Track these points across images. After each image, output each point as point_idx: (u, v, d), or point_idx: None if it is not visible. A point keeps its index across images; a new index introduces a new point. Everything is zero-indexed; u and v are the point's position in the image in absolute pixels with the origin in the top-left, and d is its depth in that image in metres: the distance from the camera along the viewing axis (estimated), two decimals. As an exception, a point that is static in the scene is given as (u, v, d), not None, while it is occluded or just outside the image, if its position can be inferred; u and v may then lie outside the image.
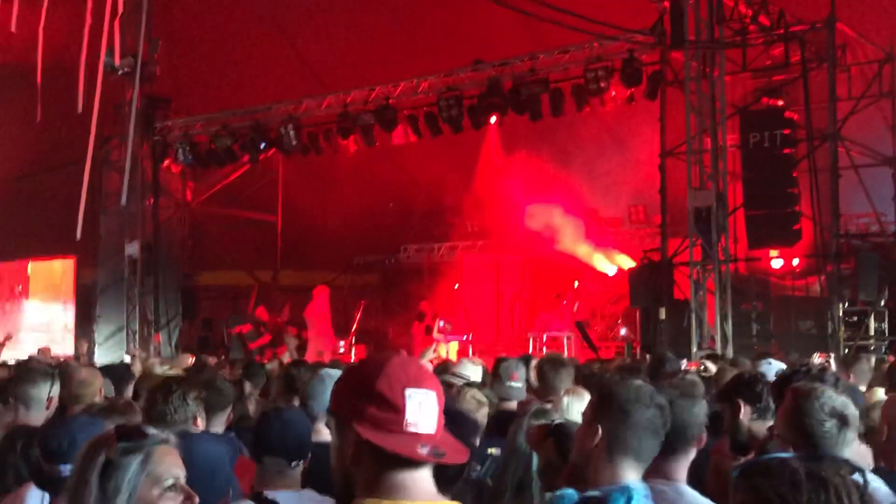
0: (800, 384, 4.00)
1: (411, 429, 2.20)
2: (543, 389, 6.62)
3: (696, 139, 16.33)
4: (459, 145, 21.47)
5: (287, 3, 23.60)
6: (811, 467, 2.08)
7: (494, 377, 6.64)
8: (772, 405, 4.49)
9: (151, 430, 2.67)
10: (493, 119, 19.50)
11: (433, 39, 22.43)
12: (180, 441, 3.58)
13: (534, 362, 7.34)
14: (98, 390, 5.99)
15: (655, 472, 3.47)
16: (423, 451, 2.19)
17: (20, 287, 25.30)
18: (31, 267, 25.13)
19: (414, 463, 2.23)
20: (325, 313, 20.54)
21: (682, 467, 3.62)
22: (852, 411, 3.68)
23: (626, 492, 2.94)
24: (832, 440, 3.56)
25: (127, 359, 16.76)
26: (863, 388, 7.03)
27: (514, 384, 6.45)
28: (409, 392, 2.21)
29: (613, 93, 17.70)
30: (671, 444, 3.49)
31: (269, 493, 4.08)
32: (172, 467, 2.61)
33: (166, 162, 22.94)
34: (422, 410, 2.21)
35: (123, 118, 22.39)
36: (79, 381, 5.93)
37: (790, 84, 17.47)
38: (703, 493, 3.64)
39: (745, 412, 4.50)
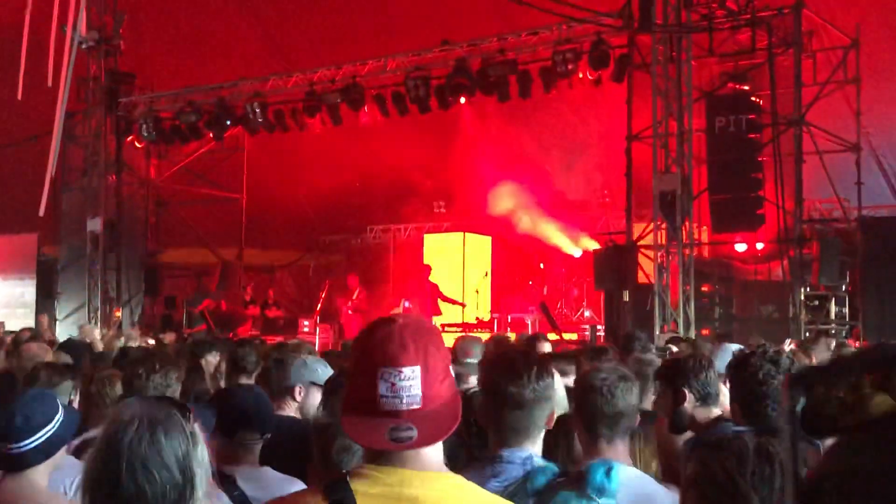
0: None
1: (387, 408, 2.16)
2: None
3: (663, 123, 16.38)
4: (427, 126, 21.40)
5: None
6: (761, 442, 2.09)
7: (452, 356, 6.71)
8: (715, 391, 4.47)
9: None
10: (462, 100, 19.45)
11: (401, 18, 22.34)
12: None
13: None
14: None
15: (599, 455, 3.52)
16: (392, 435, 2.15)
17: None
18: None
19: None
20: (426, 292, 20.47)
21: (624, 449, 3.67)
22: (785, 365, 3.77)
23: (607, 463, 2.99)
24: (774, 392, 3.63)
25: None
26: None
27: (470, 360, 6.57)
28: (382, 371, 2.17)
29: (581, 75, 17.70)
30: (613, 430, 3.57)
31: (228, 470, 4.04)
32: None
33: (130, 138, 22.70)
34: (396, 390, 2.16)
35: (87, 93, 22.22)
36: (28, 356, 5.87)
37: (756, 69, 17.57)
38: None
39: (689, 399, 4.46)
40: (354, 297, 21.69)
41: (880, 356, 1.12)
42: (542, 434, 3.33)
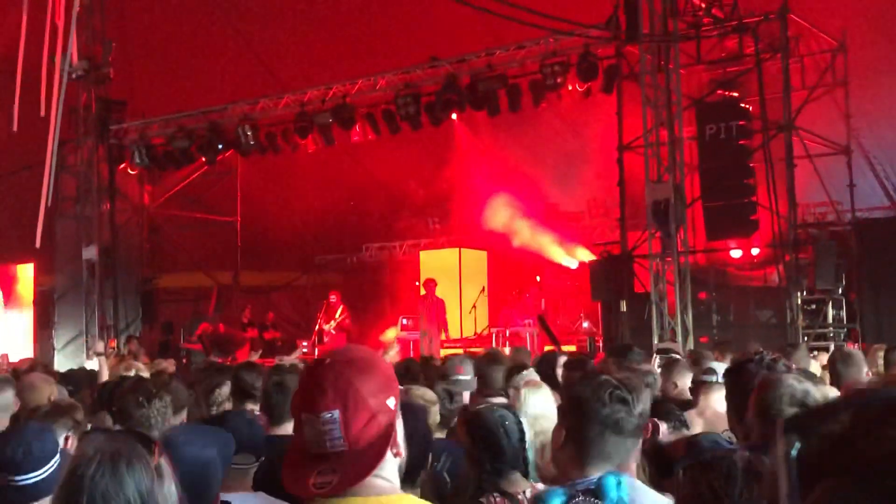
0: (764, 375, 4.00)
1: (315, 452, 2.19)
2: (483, 385, 6.79)
3: (653, 132, 16.40)
4: (419, 142, 21.44)
5: (241, 2, 23.44)
6: (750, 460, 2.06)
7: (441, 375, 6.74)
8: (685, 418, 4.48)
9: None
10: (453, 116, 19.47)
11: (390, 37, 22.40)
12: (167, 444, 3.51)
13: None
14: (47, 396, 5.89)
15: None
16: (316, 480, 2.16)
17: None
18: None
19: None
20: (434, 307, 20.14)
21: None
22: (813, 398, 3.67)
23: (616, 475, 2.97)
24: None
25: (89, 364, 16.57)
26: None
27: (461, 377, 6.56)
28: (304, 417, 2.20)
29: (570, 87, 17.73)
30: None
31: (224, 497, 4.00)
32: None
33: (122, 165, 22.71)
34: (317, 434, 2.18)
35: (78, 121, 22.22)
36: (27, 386, 5.84)
37: (745, 75, 17.60)
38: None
39: (663, 431, 4.46)
40: (338, 315, 21.64)
41: (873, 398, 1.11)
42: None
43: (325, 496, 2.18)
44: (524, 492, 3.97)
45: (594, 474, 3.11)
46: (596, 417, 3.11)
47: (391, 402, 2.30)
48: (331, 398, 2.18)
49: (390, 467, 2.30)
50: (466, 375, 6.66)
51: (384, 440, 2.25)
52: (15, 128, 19.19)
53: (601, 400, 3.13)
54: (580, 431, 3.16)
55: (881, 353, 8.50)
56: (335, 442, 2.17)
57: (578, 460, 3.16)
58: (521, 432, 4.17)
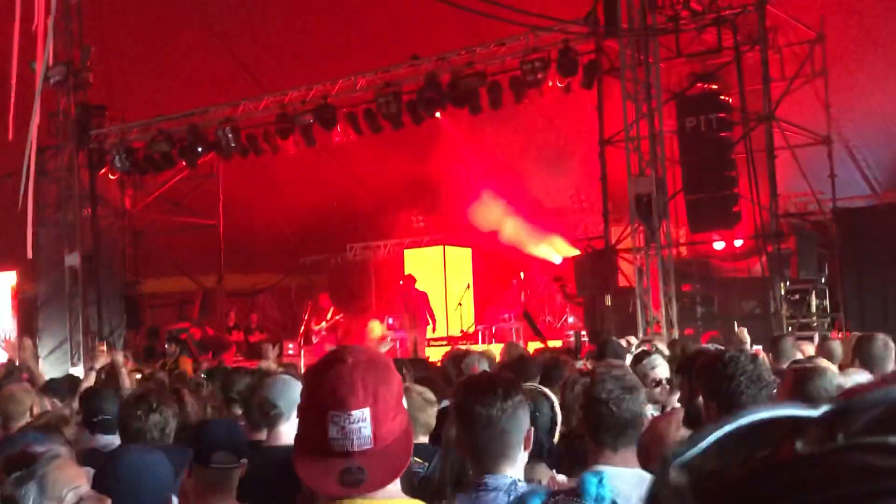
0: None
1: (337, 450, 2.17)
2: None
3: (634, 126, 16.43)
4: (402, 140, 21.38)
5: (219, 3, 23.34)
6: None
7: (458, 372, 6.77)
8: None
9: (39, 449, 2.59)
10: (437, 114, 19.45)
11: (369, 36, 22.33)
12: (112, 455, 3.50)
13: None
14: (28, 408, 5.81)
15: (613, 462, 3.60)
16: (344, 479, 2.16)
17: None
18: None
19: None
20: (416, 303, 19.96)
21: (632, 456, 3.72)
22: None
23: (598, 474, 3.00)
24: None
25: (73, 371, 16.49)
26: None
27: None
28: (331, 415, 2.17)
29: (551, 83, 17.73)
30: (619, 439, 3.64)
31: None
32: (71, 480, 2.53)
33: (103, 170, 22.59)
34: (346, 433, 2.16)
35: (57, 127, 22.11)
36: (7, 397, 5.76)
37: (724, 68, 17.64)
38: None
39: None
40: (328, 317, 21.66)
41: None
42: (522, 457, 3.25)
43: (358, 495, 2.19)
44: (539, 481, 3.93)
45: (497, 476, 3.15)
46: (468, 418, 3.18)
47: (405, 403, 2.35)
48: (361, 396, 2.18)
49: None
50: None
51: (407, 439, 2.30)
52: (10, 136, 19.09)
53: (468, 400, 3.20)
54: (468, 439, 3.23)
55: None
56: (363, 440, 2.17)
57: (474, 464, 3.24)
58: (553, 422, 4.15)
